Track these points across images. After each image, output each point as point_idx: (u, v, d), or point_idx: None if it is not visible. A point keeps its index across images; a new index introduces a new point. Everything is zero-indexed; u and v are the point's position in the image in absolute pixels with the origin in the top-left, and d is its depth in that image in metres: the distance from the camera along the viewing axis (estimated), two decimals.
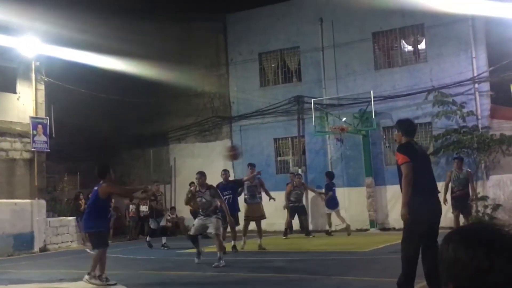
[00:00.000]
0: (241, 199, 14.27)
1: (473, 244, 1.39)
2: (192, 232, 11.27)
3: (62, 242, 17.06)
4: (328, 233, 16.95)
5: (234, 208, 13.25)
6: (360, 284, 8.25)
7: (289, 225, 17.33)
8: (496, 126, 16.99)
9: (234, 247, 13.15)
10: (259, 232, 13.79)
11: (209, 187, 11.19)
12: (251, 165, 14.55)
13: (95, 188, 9.25)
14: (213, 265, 10.49)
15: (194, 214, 18.38)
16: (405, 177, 6.27)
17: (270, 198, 14.56)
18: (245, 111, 20.78)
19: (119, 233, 19.12)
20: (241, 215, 14.02)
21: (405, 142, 6.53)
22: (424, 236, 6.18)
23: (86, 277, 8.97)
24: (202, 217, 11.11)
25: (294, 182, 17.43)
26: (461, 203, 12.81)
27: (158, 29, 20.81)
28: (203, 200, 11.08)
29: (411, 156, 6.28)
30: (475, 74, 17.29)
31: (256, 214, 13.84)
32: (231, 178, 15.28)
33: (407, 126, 6.75)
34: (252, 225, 14.13)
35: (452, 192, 12.91)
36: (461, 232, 1.46)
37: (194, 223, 11.56)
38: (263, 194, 14.42)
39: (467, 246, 1.39)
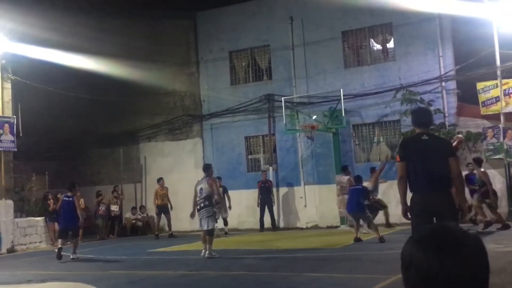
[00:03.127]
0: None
1: (425, 245, 1.39)
2: None
3: (30, 242, 16.79)
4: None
5: None
6: (331, 281, 8.33)
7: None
8: (462, 123, 17.36)
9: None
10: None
11: None
12: (374, 169, 15.92)
13: (69, 198, 12.82)
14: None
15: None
16: (397, 176, 6.36)
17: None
18: (216, 110, 20.73)
19: (89, 233, 18.86)
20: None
21: (408, 137, 6.38)
22: None
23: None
24: None
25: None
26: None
27: (127, 27, 20.59)
28: None
29: (403, 154, 6.30)
30: (442, 73, 17.61)
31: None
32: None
33: (416, 117, 6.53)
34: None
35: None
36: (418, 234, 1.45)
37: None
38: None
39: (420, 247, 1.39)
